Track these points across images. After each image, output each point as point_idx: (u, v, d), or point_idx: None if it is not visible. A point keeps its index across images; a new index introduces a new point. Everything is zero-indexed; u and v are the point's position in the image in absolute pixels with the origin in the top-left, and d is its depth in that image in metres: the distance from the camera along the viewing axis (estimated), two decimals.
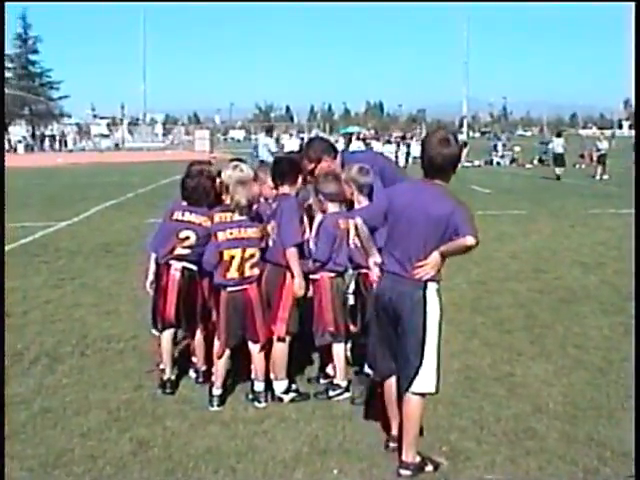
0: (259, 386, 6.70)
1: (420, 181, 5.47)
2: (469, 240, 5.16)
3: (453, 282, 10.76)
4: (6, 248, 15.06)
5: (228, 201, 6.64)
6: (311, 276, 6.78)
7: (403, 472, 5.38)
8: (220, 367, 6.69)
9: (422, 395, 5.36)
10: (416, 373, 5.27)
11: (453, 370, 7.31)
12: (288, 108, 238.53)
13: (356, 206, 6.72)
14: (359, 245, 6.18)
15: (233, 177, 6.55)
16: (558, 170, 37.66)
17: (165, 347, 7.17)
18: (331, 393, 6.83)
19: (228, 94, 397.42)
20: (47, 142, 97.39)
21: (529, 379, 7.29)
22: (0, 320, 8.46)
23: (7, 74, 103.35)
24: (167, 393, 6.93)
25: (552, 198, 25.98)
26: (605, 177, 36.10)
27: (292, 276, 6.57)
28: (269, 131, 35.38)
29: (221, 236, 6.52)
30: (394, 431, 5.78)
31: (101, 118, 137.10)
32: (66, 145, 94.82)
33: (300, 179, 6.90)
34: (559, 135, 42.23)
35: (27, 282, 11.70)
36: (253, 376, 6.75)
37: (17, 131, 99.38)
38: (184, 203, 7.13)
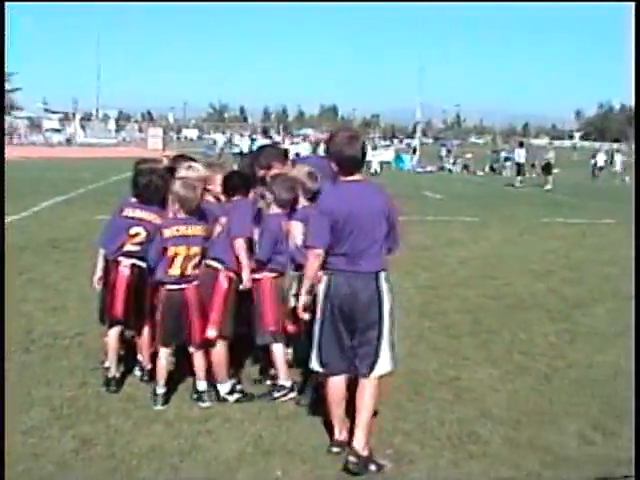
0: (201, 385, 6.67)
1: (344, 182, 5.66)
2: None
3: (401, 286, 10.79)
4: None
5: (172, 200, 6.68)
6: (253, 276, 6.77)
7: (351, 459, 5.47)
8: (161, 366, 6.66)
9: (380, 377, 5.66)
10: (377, 358, 5.59)
11: (399, 374, 7.26)
12: (242, 109, 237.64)
13: (299, 205, 6.81)
14: (300, 246, 6.28)
15: (188, 177, 6.59)
16: (517, 178, 38.42)
17: (111, 344, 7.10)
18: (275, 394, 6.81)
19: (182, 93, 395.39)
20: None
21: (474, 384, 7.35)
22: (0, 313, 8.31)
23: None
24: (112, 391, 6.87)
25: (503, 206, 26.24)
26: (548, 187, 36.48)
27: (232, 272, 6.63)
28: (266, 132, 36.00)
29: (167, 233, 6.50)
30: (338, 435, 5.81)
31: (53, 112, 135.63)
32: (13, 138, 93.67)
33: (251, 192, 6.93)
34: (521, 145, 43.00)
35: None
36: (196, 376, 6.73)
37: None
38: (134, 200, 7.08)
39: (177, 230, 6.49)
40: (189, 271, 6.53)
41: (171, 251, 6.47)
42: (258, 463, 5.54)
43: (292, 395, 6.79)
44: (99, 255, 7.18)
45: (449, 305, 10.50)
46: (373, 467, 5.50)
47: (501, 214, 22.94)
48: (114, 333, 7.10)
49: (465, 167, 53.34)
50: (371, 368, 5.63)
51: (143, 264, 6.90)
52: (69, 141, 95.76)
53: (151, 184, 7.02)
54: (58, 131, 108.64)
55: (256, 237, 6.77)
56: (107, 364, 7.11)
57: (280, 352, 6.89)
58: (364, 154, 5.74)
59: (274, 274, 6.79)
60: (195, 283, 6.58)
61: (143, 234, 6.90)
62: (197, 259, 6.57)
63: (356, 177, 5.65)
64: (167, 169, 7.21)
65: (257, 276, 6.76)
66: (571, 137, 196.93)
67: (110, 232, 7.12)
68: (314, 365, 5.82)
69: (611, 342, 8.85)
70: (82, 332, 8.54)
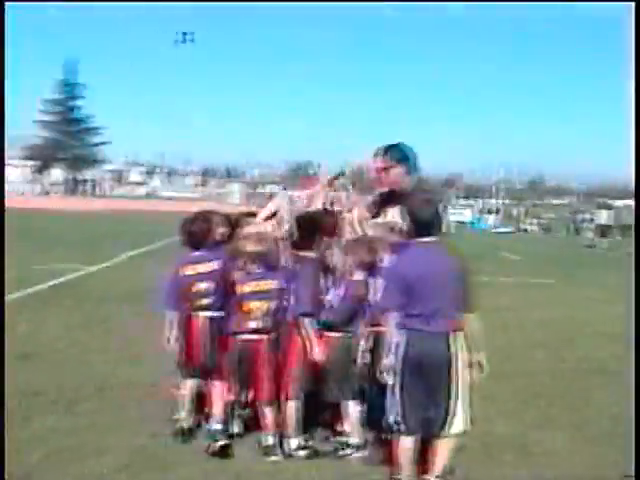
0: (269, 440, 6.68)
1: (419, 244, 5.80)
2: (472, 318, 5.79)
3: None
4: (35, 289, 15.31)
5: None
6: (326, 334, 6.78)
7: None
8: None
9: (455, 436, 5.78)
10: (451, 418, 5.67)
11: (470, 436, 7.24)
12: (319, 165, 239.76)
13: (385, 263, 6.67)
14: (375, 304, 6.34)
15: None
16: (602, 241, 37.74)
17: (186, 396, 7.18)
18: (344, 452, 6.78)
19: (265, 150, 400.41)
20: (83, 186, 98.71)
21: (546, 448, 7.21)
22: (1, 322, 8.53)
23: (49, 118, 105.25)
24: (182, 441, 6.93)
25: (582, 268, 25.90)
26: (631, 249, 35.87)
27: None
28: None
29: (244, 289, 6.59)
30: None
31: (139, 166, 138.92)
32: (99, 190, 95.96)
33: (321, 240, 6.95)
34: (605, 207, 42.47)
35: (54, 323, 11.81)
36: (263, 430, 6.74)
37: (56, 174, 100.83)
38: (187, 257, 7.20)
39: (256, 286, 6.59)
40: (262, 324, 6.59)
41: (247, 306, 6.54)
42: None
43: (360, 454, 6.75)
44: (168, 317, 7.22)
45: (525, 367, 10.35)
46: None
47: (581, 276, 22.64)
48: (189, 385, 7.17)
49: (544, 228, 52.88)
50: (443, 428, 5.69)
51: (219, 314, 6.96)
52: (151, 195, 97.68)
53: (197, 229, 7.20)
54: (142, 184, 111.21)
55: (329, 297, 6.78)
56: (179, 415, 7.18)
57: (354, 409, 6.87)
58: (439, 216, 5.90)
59: (342, 334, 6.81)
60: (267, 337, 6.64)
61: (207, 285, 6.99)
62: (271, 312, 6.63)
63: (430, 239, 5.76)
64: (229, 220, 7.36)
65: (330, 334, 6.77)
66: None
67: (173, 293, 7.17)
68: (390, 423, 5.82)
69: None
70: (156, 382, 8.64)
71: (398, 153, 6.96)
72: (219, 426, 6.69)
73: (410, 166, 6.97)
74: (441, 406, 5.69)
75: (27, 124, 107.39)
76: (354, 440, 6.79)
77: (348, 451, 6.75)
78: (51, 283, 16.33)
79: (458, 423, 5.71)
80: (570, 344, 12.16)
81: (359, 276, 6.75)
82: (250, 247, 6.66)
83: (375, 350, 6.40)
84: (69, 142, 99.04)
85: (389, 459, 6.16)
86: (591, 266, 27.05)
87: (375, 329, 6.54)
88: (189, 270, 7.08)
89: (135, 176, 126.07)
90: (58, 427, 7.13)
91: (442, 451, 5.78)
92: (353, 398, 6.83)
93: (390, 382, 5.77)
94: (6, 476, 5.89)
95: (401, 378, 5.73)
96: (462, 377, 5.69)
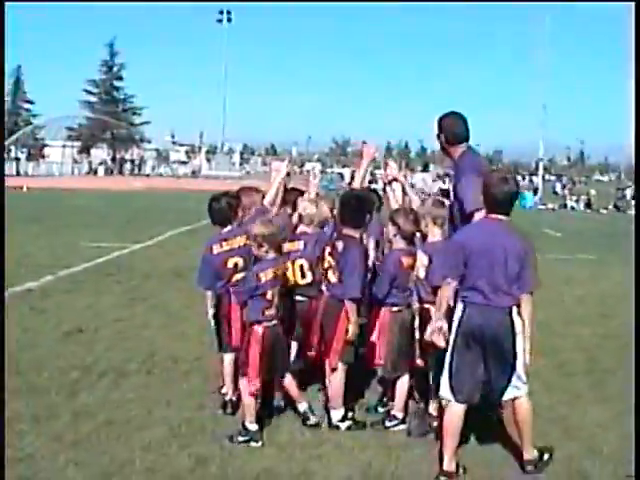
0: (302, 406, 6.95)
1: (487, 220, 6.04)
2: (529, 299, 5.99)
3: None
4: (82, 267, 15.60)
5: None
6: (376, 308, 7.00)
7: (528, 468, 6.08)
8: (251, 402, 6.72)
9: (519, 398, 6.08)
10: (508, 385, 5.97)
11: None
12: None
13: (429, 238, 6.98)
14: (422, 278, 6.53)
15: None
16: None
17: (227, 370, 7.37)
18: (387, 423, 6.96)
19: (306, 127, 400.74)
20: (127, 166, 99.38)
21: (585, 422, 7.32)
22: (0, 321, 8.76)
23: (92, 99, 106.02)
24: (228, 414, 7.12)
25: (625, 244, 25.69)
26: None
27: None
28: (426, 167, 37.62)
29: (264, 276, 6.64)
30: (447, 466, 5.94)
31: (180, 145, 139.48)
32: (142, 169, 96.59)
33: (367, 219, 7.16)
34: None
35: (100, 300, 12.07)
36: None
37: (98, 154, 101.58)
38: (217, 235, 7.42)
39: (274, 272, 6.67)
40: (279, 307, 6.75)
41: (269, 294, 6.64)
42: None
43: (403, 426, 6.91)
44: (207, 296, 7.46)
45: (564, 343, 10.42)
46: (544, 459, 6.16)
47: (622, 253, 22.44)
48: (229, 359, 7.36)
49: (588, 205, 52.40)
50: (502, 393, 6.02)
51: None
52: (194, 173, 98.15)
53: (224, 207, 7.41)
54: (184, 163, 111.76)
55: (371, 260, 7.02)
56: (224, 389, 7.38)
57: (403, 384, 7.06)
58: (514, 197, 6.09)
59: (395, 308, 6.97)
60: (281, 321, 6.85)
61: (241, 262, 7.18)
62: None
63: (500, 217, 5.98)
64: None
65: (384, 310, 6.99)
66: None
67: (208, 272, 7.36)
68: (445, 393, 6.03)
69: None
70: (201, 357, 8.88)
71: (442, 123, 7.04)
72: (253, 427, 6.67)
73: (452, 136, 7.02)
74: (503, 378, 5.96)
75: (73, 105, 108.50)
76: (398, 413, 6.97)
77: (392, 423, 6.93)
78: (99, 261, 16.63)
79: (516, 389, 6.03)
80: (609, 319, 12.17)
81: (399, 244, 6.93)
82: (257, 229, 6.72)
83: (423, 327, 6.56)
84: (111, 122, 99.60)
85: (438, 429, 6.38)
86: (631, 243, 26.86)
87: (422, 305, 6.73)
88: (219, 248, 7.28)
89: (177, 155, 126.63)
90: (106, 400, 7.37)
91: (517, 416, 6.16)
92: (402, 374, 7.01)
93: (445, 352, 6.05)
94: (57, 445, 6.13)
95: (455, 349, 5.98)
96: (522, 350, 5.96)
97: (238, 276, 7.14)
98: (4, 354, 7.68)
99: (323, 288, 6.99)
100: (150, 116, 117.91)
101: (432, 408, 6.91)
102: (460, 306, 5.98)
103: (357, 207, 7.07)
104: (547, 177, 75.90)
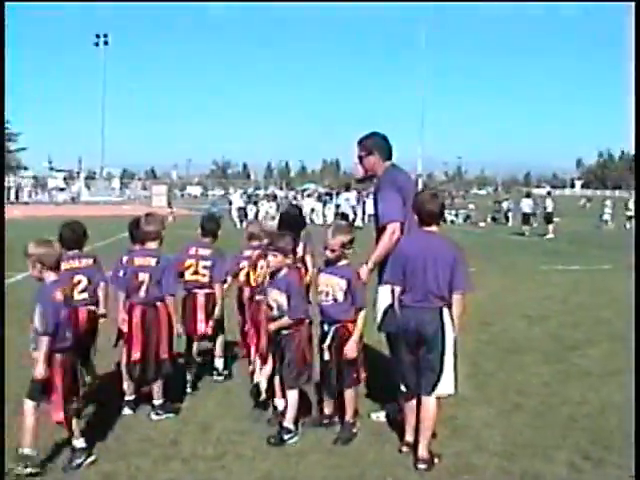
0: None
1: (421, 231, 6.80)
2: (461, 300, 6.69)
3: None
4: None
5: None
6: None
7: (420, 466, 6.51)
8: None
9: (439, 399, 6.68)
10: (438, 380, 6.59)
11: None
12: (245, 165, 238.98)
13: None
14: (336, 301, 7.20)
15: None
16: (524, 228, 39.04)
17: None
18: (285, 437, 7.17)
19: (185, 150, 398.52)
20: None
21: (471, 421, 7.75)
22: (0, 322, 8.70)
23: None
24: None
25: (503, 255, 26.68)
26: (549, 236, 36.91)
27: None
28: (348, 188, 38.97)
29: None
30: (408, 437, 6.89)
31: (58, 171, 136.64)
32: (19, 197, 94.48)
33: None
34: (528, 196, 43.79)
35: None
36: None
37: None
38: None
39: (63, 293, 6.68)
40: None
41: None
42: None
43: (296, 438, 7.18)
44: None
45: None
46: (436, 460, 6.60)
47: (500, 263, 23.36)
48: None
49: (467, 218, 53.79)
50: (432, 388, 6.61)
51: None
52: (74, 199, 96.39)
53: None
54: (63, 189, 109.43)
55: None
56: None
57: (292, 397, 7.33)
58: (442, 210, 6.91)
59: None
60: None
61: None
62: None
63: (432, 228, 6.73)
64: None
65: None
66: (572, 186, 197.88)
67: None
68: (401, 386, 6.87)
69: (604, 380, 9.24)
70: (97, 379, 8.94)
71: (372, 142, 7.73)
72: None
73: (383, 153, 7.72)
74: (433, 370, 6.58)
75: None
76: (290, 425, 7.27)
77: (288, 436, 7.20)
78: None
79: (445, 386, 6.63)
80: (489, 327, 12.70)
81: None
82: (31, 250, 6.79)
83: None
84: None
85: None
86: (512, 253, 27.87)
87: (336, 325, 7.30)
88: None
89: (55, 182, 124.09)
90: (7, 427, 7.40)
91: (425, 412, 6.65)
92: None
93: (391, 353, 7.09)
94: None
95: (397, 349, 6.87)
96: (451, 347, 6.61)
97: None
98: (4, 354, 7.64)
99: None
100: (26, 142, 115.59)
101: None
102: (398, 309, 6.71)
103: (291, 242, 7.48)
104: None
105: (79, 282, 8.09)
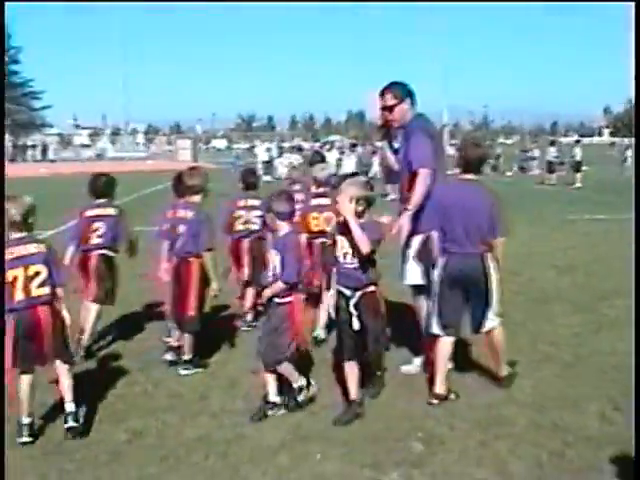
0: (69, 407, 6.38)
1: (460, 179, 7.07)
2: (501, 242, 6.97)
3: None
4: None
5: None
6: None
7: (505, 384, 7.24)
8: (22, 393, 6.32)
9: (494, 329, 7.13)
10: (483, 319, 7.01)
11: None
12: (270, 118, 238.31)
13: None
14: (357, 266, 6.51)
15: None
16: (549, 176, 38.71)
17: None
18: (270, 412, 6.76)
19: (210, 104, 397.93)
20: (29, 152, 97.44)
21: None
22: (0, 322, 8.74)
23: None
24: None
25: (530, 204, 26.44)
26: (577, 185, 36.55)
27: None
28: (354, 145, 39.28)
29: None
30: (438, 389, 6.96)
31: (83, 128, 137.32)
32: (47, 155, 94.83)
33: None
34: (552, 144, 43.20)
35: None
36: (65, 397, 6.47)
37: None
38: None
39: (11, 253, 6.22)
40: (34, 292, 6.29)
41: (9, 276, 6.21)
42: (298, 448, 5.96)
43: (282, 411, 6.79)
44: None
45: None
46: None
47: (528, 213, 23.13)
48: None
49: (494, 168, 53.33)
50: (480, 325, 7.05)
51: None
52: (99, 156, 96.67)
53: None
54: (88, 146, 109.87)
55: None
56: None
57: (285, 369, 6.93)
58: (483, 159, 7.20)
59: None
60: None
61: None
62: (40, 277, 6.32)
63: (470, 176, 6.99)
64: None
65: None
66: (600, 134, 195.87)
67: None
68: (435, 330, 7.08)
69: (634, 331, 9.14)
70: (126, 335, 9.03)
71: (402, 90, 7.56)
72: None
73: (413, 100, 7.59)
74: (480, 311, 6.98)
75: None
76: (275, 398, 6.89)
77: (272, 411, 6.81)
78: None
79: (491, 321, 7.05)
80: (518, 277, 12.60)
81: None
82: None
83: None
84: (11, 108, 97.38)
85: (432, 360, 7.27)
86: (539, 202, 27.66)
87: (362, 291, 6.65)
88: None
89: (80, 139, 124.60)
90: (37, 384, 7.43)
91: (493, 339, 7.19)
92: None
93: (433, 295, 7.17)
94: None
95: (440, 292, 7.04)
96: (495, 288, 6.96)
97: None
98: (4, 355, 7.69)
99: None
100: (51, 100, 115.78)
101: None
102: (442, 256, 6.98)
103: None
104: (452, 142, 76.82)
105: (97, 229, 8.50)
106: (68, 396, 6.38)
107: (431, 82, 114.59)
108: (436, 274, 7.07)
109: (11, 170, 63.54)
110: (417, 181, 7.16)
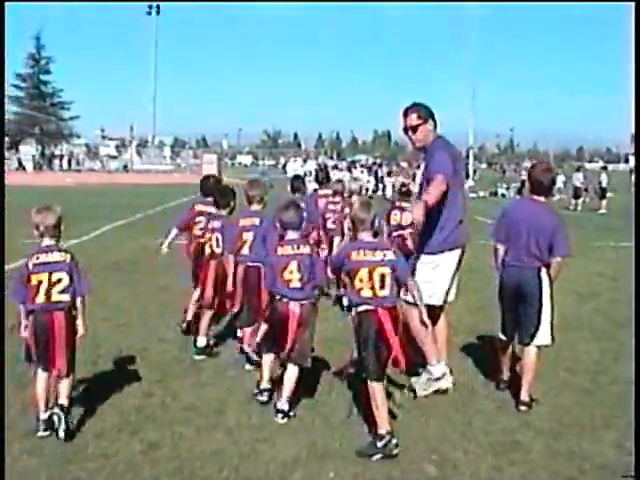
0: (56, 409, 6.45)
1: (529, 199, 7.70)
2: (560, 263, 7.56)
3: (451, 307, 11.16)
4: (17, 264, 15.51)
5: None
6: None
7: (522, 408, 7.31)
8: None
9: (539, 347, 7.55)
10: (536, 332, 7.49)
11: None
12: (296, 135, 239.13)
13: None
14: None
15: None
16: (574, 202, 38.77)
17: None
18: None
19: (236, 119, 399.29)
20: (55, 162, 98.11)
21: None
22: (0, 322, 8.81)
23: (19, 93, 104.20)
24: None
25: None
26: (602, 211, 36.45)
27: None
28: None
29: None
30: (504, 376, 7.96)
31: (110, 139, 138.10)
32: (72, 165, 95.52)
33: None
34: (579, 169, 43.39)
35: None
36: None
37: (27, 150, 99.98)
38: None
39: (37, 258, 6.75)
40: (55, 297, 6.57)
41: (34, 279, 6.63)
42: (312, 465, 5.97)
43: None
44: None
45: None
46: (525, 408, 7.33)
47: None
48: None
49: (519, 191, 53.16)
50: (531, 338, 7.52)
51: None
52: (125, 167, 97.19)
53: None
54: (115, 157, 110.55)
55: None
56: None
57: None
58: (552, 183, 7.80)
59: None
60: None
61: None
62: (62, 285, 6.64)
63: (539, 198, 7.59)
64: None
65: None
66: (627, 161, 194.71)
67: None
68: (499, 333, 7.89)
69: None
70: (145, 347, 9.05)
71: (425, 111, 7.62)
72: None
73: (435, 122, 7.67)
74: (532, 323, 7.48)
75: None
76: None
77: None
78: None
79: (543, 337, 7.52)
80: None
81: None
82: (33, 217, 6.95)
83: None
84: (40, 117, 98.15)
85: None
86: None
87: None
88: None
89: (107, 149, 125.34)
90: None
91: (527, 360, 7.56)
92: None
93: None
94: (10, 435, 6.27)
95: (501, 301, 7.82)
96: (548, 302, 7.52)
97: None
98: (4, 355, 7.76)
99: None
100: (79, 110, 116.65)
101: None
102: (501, 267, 7.69)
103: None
104: (478, 165, 76.69)
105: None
106: (63, 399, 6.52)
107: (458, 104, 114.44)
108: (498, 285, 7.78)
109: (37, 179, 64.27)
110: (432, 184, 7.09)
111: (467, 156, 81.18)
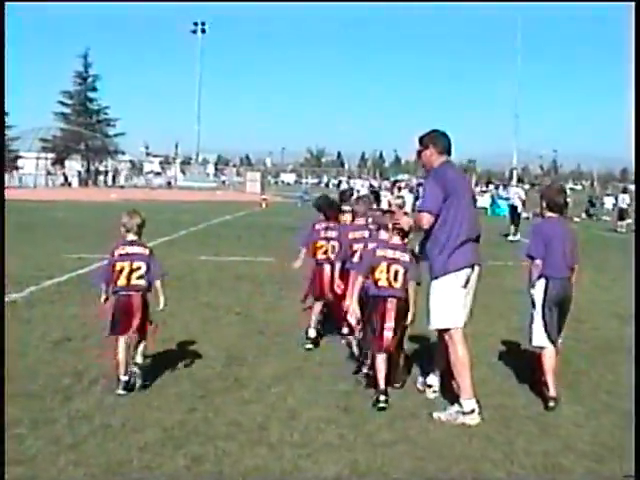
0: (132, 367, 8.26)
1: (555, 218, 8.65)
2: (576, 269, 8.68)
3: (493, 328, 11.17)
4: (65, 277, 15.80)
5: None
6: None
7: (551, 404, 8.03)
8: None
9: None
10: (561, 332, 8.63)
11: (489, 407, 7.71)
12: (339, 154, 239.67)
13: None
14: None
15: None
16: (620, 224, 38.42)
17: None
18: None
19: (280, 138, 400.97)
20: (100, 177, 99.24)
21: (560, 420, 7.66)
22: (1, 322, 9.03)
23: (66, 110, 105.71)
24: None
25: (597, 251, 26.19)
26: None
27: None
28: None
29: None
30: (552, 392, 8.17)
31: (154, 156, 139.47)
32: (116, 181, 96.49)
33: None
34: (625, 191, 43.11)
35: (85, 309, 12.22)
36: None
37: (72, 165, 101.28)
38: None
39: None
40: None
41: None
42: None
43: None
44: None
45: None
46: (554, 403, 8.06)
47: (594, 259, 22.87)
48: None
49: (541, 214, 52.73)
50: (557, 339, 8.51)
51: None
52: (169, 184, 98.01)
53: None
54: (159, 174, 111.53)
55: None
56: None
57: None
58: (567, 202, 9.08)
59: None
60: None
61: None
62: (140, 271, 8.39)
63: (558, 215, 8.65)
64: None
65: None
66: None
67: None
68: (540, 341, 8.48)
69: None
70: (188, 363, 9.14)
71: (426, 138, 8.17)
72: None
73: (439, 148, 8.08)
74: (564, 325, 8.62)
75: (47, 116, 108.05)
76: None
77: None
78: (81, 272, 16.81)
79: (561, 338, 8.66)
80: (581, 324, 12.47)
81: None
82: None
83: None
84: (86, 133, 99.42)
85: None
86: (606, 249, 27.34)
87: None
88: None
89: (151, 166, 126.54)
90: (101, 405, 7.62)
91: (555, 355, 8.50)
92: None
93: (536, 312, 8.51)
94: (56, 448, 6.39)
95: (544, 310, 8.39)
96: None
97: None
98: (4, 359, 7.90)
99: None
100: (124, 127, 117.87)
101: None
102: (543, 280, 8.34)
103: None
104: (521, 186, 76.29)
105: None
106: (138, 358, 8.35)
107: (502, 125, 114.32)
108: (538, 295, 8.42)
109: (83, 194, 65.04)
110: (416, 217, 7.97)
111: (510, 177, 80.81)
